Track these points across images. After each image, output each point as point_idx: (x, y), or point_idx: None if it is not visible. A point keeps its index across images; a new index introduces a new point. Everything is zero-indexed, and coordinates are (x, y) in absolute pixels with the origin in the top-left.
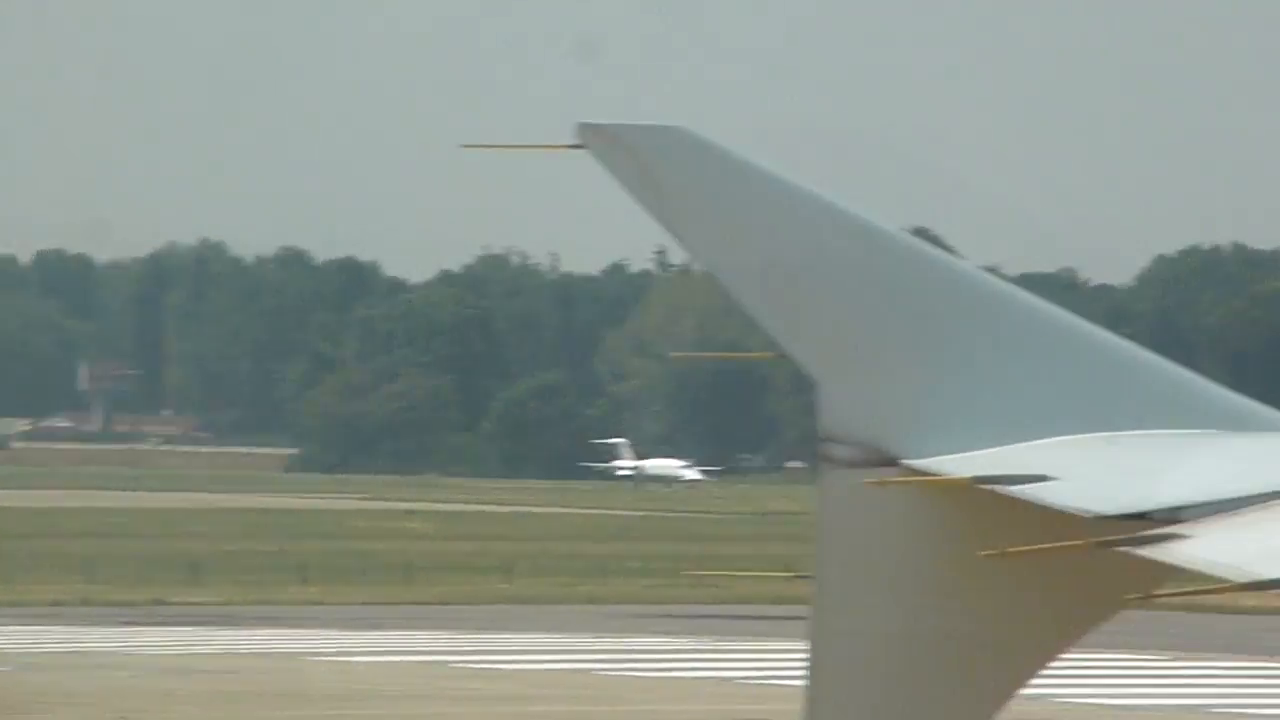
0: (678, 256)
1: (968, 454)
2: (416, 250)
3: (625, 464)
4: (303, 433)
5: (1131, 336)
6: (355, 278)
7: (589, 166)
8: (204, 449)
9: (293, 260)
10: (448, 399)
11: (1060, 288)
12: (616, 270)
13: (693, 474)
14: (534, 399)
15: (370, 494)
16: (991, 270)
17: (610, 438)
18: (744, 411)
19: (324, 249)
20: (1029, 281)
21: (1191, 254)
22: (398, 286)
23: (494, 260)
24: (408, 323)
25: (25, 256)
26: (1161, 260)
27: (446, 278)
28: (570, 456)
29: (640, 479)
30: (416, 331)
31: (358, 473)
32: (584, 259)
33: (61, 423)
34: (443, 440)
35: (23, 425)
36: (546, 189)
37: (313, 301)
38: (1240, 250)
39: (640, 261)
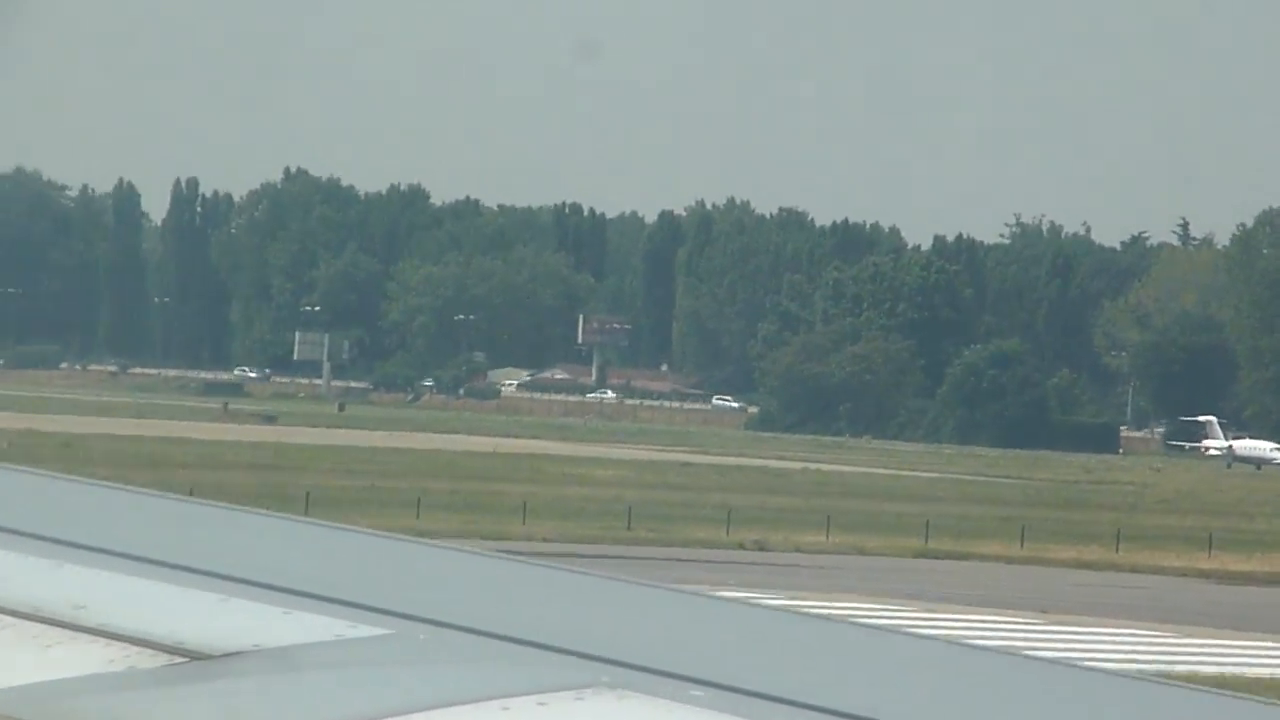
0: (1200, 229)
1: None
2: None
3: (1216, 443)
4: (768, 391)
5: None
6: (851, 239)
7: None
8: (676, 404)
9: (792, 221)
10: (906, 363)
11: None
12: (1136, 243)
13: None
14: (992, 366)
15: (788, 453)
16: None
17: (1106, 412)
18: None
19: (824, 210)
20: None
21: None
22: (899, 250)
23: (1022, 231)
24: (874, 286)
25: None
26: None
27: (939, 244)
28: (1023, 425)
29: (1231, 459)
30: (883, 295)
31: (815, 433)
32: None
33: (559, 374)
34: (900, 404)
35: (523, 376)
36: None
37: (807, 262)
38: None
39: (1161, 234)
